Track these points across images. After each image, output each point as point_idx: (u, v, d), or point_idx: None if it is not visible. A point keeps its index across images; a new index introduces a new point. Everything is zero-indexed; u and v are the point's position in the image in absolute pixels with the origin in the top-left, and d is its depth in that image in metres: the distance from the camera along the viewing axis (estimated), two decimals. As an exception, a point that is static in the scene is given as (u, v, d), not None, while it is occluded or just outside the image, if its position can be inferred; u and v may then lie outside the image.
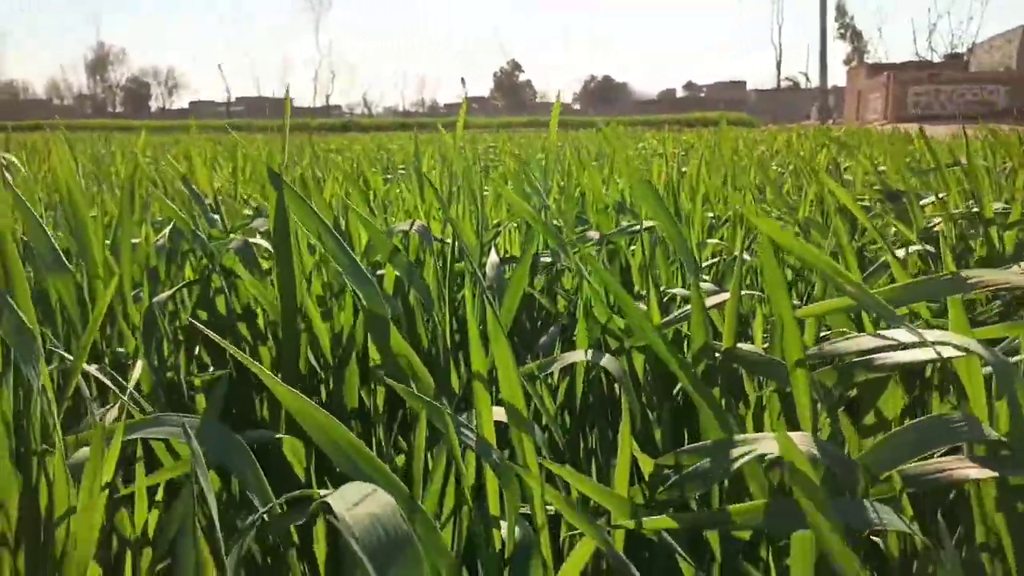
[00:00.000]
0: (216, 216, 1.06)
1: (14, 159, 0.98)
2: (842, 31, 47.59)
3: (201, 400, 0.79)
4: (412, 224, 0.85)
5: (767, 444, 0.46)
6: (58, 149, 0.95)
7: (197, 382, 0.78)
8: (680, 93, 62.78)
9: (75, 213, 0.81)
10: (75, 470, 0.58)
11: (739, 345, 0.58)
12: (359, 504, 0.40)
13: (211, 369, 0.93)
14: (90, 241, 0.81)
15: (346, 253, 0.59)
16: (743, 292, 0.75)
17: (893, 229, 1.05)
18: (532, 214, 0.80)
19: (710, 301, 0.66)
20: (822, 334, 0.61)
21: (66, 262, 0.79)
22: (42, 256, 0.81)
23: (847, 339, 0.52)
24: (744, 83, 62.17)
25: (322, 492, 0.44)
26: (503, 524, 0.54)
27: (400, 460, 0.73)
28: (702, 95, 58.86)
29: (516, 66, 70.06)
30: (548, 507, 0.54)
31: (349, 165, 1.67)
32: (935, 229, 0.94)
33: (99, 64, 65.51)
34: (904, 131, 4.83)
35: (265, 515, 0.56)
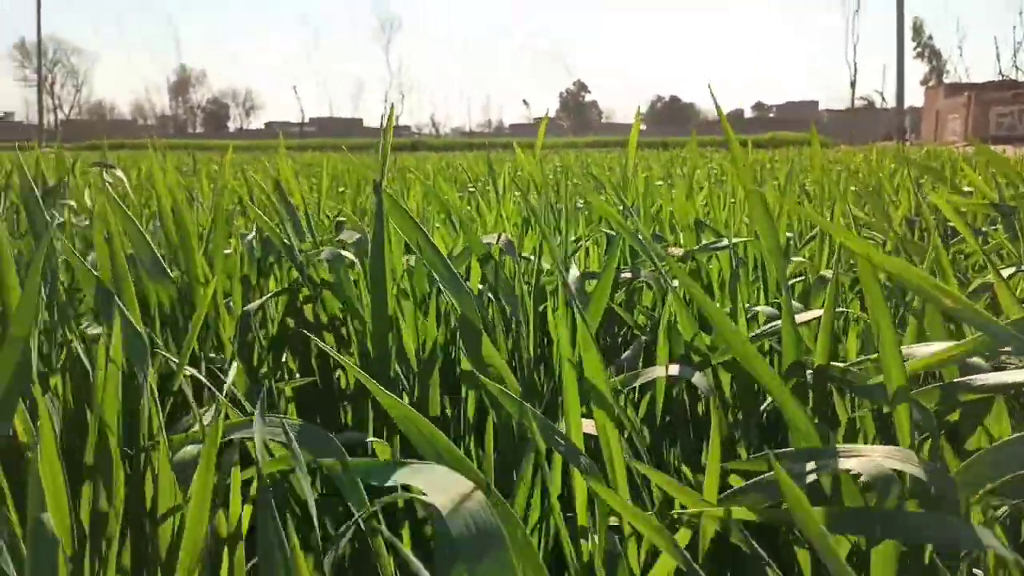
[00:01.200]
0: (304, 229, 1.10)
1: (121, 174, 1.04)
2: (919, 50, 46.27)
3: (292, 406, 0.82)
4: (499, 237, 0.86)
5: (863, 458, 0.44)
6: (156, 165, 1.00)
7: (287, 389, 0.81)
8: (749, 113, 61.94)
9: (178, 226, 0.85)
10: (177, 468, 0.61)
11: (832, 363, 0.57)
12: (452, 497, 0.40)
13: (297, 376, 0.96)
14: (192, 250, 0.85)
15: (444, 262, 0.60)
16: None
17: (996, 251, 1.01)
18: (621, 221, 0.81)
19: (800, 317, 0.65)
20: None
21: (167, 269, 0.83)
22: (144, 263, 0.85)
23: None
24: (816, 103, 60.92)
25: (419, 494, 0.45)
26: (590, 535, 0.54)
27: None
28: (772, 115, 57.91)
29: (582, 87, 70.32)
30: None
31: (425, 182, 1.71)
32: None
33: (181, 86, 68.55)
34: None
35: (361, 521, 0.57)
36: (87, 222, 1.23)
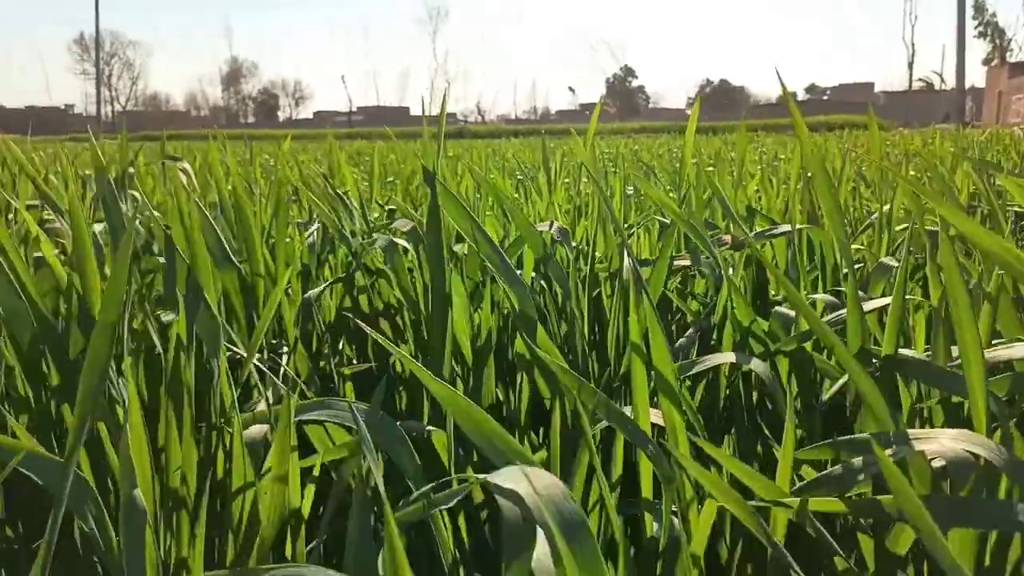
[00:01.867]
0: (358, 218, 1.12)
1: (187, 167, 1.08)
2: (981, 28, 44.57)
3: (349, 390, 0.84)
4: (551, 225, 0.87)
5: (938, 443, 0.44)
6: (217, 158, 1.03)
7: (347, 372, 0.83)
8: (802, 96, 60.55)
9: (242, 218, 0.88)
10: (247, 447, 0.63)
11: (901, 351, 0.56)
12: (529, 485, 0.41)
13: (354, 362, 0.98)
14: (254, 241, 0.88)
15: (498, 253, 0.61)
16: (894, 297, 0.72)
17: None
18: (675, 208, 0.80)
19: (866, 306, 0.64)
20: (993, 341, 0.58)
21: (234, 259, 0.85)
22: (213, 253, 0.88)
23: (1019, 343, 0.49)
24: (872, 84, 59.33)
25: (480, 476, 0.46)
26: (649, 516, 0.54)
27: (541, 456, 0.74)
28: (826, 98, 56.51)
29: (629, 71, 69.59)
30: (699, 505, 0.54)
31: (476, 170, 1.73)
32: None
33: (233, 77, 69.84)
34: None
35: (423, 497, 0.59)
36: (150, 212, 1.27)
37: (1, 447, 0.54)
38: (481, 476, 0.43)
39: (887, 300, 0.62)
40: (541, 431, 0.80)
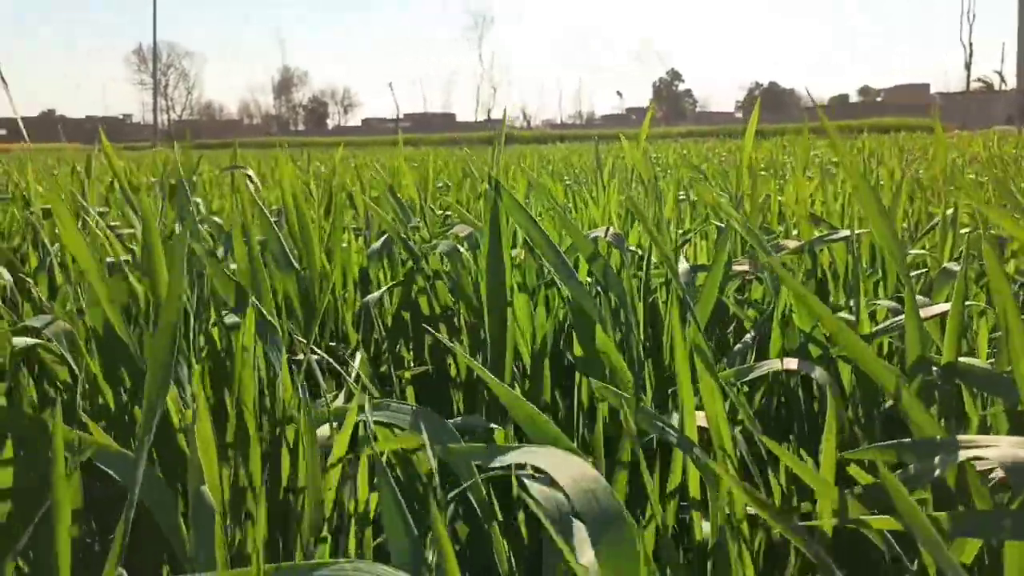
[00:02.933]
0: (418, 224, 1.14)
1: (252, 173, 1.12)
2: (1045, 26, 43.00)
3: (409, 392, 0.85)
4: (607, 231, 0.87)
5: (996, 449, 0.43)
6: (283, 165, 1.06)
7: (406, 375, 0.85)
8: (854, 98, 59.26)
9: (302, 223, 0.90)
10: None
11: (962, 359, 0.55)
12: (572, 476, 0.42)
13: (411, 364, 1.00)
14: (314, 246, 0.90)
15: (559, 255, 0.62)
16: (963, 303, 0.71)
17: None
18: (730, 210, 0.80)
19: (925, 312, 0.63)
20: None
21: (295, 263, 0.88)
22: (274, 257, 0.91)
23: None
24: (927, 86, 57.77)
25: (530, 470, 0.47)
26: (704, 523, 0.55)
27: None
28: (879, 99, 55.21)
29: (676, 75, 69.04)
30: (748, 509, 0.54)
31: (530, 173, 1.74)
32: None
33: (284, 86, 71.31)
34: None
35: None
36: (215, 218, 1.31)
37: (82, 443, 0.57)
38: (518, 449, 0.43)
39: (948, 306, 0.61)
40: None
